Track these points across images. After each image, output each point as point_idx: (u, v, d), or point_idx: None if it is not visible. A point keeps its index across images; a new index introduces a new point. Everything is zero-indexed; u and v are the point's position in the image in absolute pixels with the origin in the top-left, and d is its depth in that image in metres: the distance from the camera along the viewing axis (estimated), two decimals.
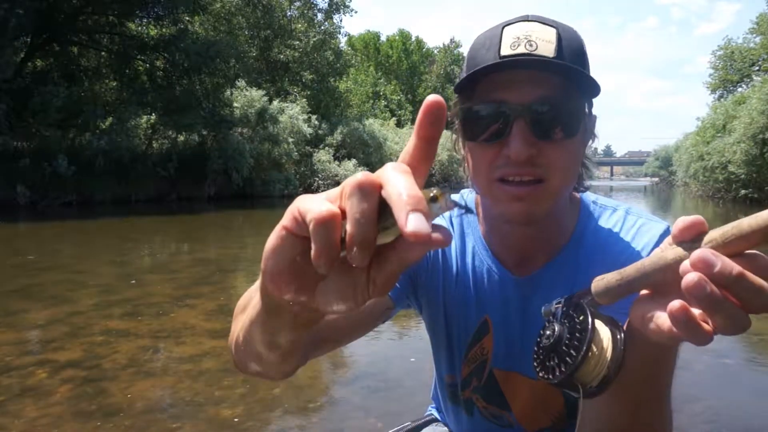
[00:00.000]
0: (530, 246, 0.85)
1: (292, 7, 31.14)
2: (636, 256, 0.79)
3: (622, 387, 0.52)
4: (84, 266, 6.91)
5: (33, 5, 16.19)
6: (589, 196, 0.90)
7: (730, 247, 0.40)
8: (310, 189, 25.77)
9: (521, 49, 0.71)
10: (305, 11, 31.22)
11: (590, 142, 0.81)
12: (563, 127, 0.72)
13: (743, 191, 20.13)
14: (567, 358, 0.48)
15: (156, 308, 4.64)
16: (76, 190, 17.63)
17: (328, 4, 31.96)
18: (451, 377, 0.96)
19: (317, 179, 26.09)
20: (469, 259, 0.90)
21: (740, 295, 0.40)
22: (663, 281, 0.45)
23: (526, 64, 0.71)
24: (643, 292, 0.48)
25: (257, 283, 0.46)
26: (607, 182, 75.98)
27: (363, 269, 0.34)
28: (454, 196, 0.35)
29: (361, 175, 0.32)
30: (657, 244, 0.79)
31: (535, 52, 0.71)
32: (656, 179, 58.97)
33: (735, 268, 0.39)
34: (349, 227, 0.31)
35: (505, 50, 0.72)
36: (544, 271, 0.84)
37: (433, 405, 1.19)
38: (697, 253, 0.39)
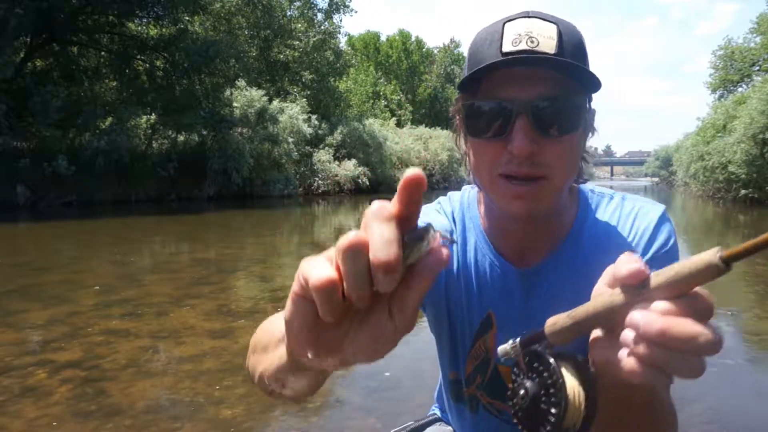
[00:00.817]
0: (532, 239, 0.85)
1: (292, 6, 31.13)
2: (637, 240, 0.81)
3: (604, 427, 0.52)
4: (84, 266, 6.91)
5: (33, 5, 16.18)
6: (586, 186, 0.91)
7: (674, 290, 0.41)
8: (310, 189, 25.76)
9: (523, 46, 0.71)
10: (305, 11, 31.20)
11: (590, 135, 0.81)
12: (565, 123, 0.72)
13: (743, 191, 20.12)
14: (549, 417, 0.49)
15: (156, 308, 4.64)
16: (76, 190, 17.63)
17: (328, 4, 31.95)
18: (455, 374, 0.96)
19: (317, 179, 26.07)
20: (471, 255, 0.90)
21: (687, 349, 0.40)
22: (615, 324, 0.46)
23: (528, 61, 0.71)
24: (597, 333, 0.48)
25: (280, 326, 0.47)
26: (607, 182, 75.97)
27: (386, 317, 0.38)
28: (444, 229, 0.37)
29: (351, 235, 0.35)
30: (657, 227, 0.82)
31: (536, 49, 0.71)
32: (656, 179, 58.87)
33: (683, 335, 0.39)
34: (345, 286, 0.35)
35: (507, 47, 0.72)
36: (546, 264, 0.85)
37: (437, 405, 1.18)
38: (643, 324, 0.41)
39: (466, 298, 0.90)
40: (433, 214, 0.95)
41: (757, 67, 29.15)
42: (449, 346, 0.95)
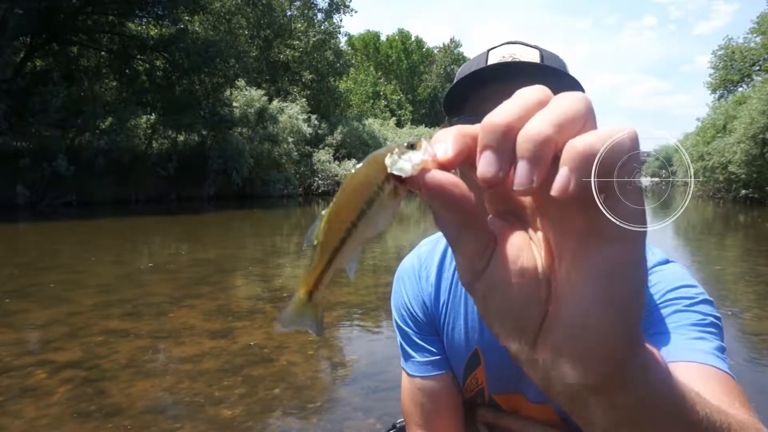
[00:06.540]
0: None
1: (292, 6, 31.12)
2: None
3: None
4: (84, 266, 6.91)
5: (33, 5, 16.17)
6: None
7: None
8: (310, 189, 25.75)
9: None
10: (305, 11, 31.20)
11: None
12: None
13: (743, 191, 20.15)
14: None
15: (156, 308, 4.64)
16: (76, 190, 17.63)
17: (328, 4, 31.94)
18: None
19: (317, 179, 26.07)
20: (460, 289, 0.93)
21: None
22: None
23: (510, 70, 0.73)
24: None
25: None
26: None
27: None
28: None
29: None
30: (657, 264, 0.78)
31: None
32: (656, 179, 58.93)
33: None
34: None
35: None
36: None
37: None
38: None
39: (456, 334, 0.93)
40: (428, 246, 0.99)
41: (757, 67, 29.15)
42: (453, 372, 0.97)
